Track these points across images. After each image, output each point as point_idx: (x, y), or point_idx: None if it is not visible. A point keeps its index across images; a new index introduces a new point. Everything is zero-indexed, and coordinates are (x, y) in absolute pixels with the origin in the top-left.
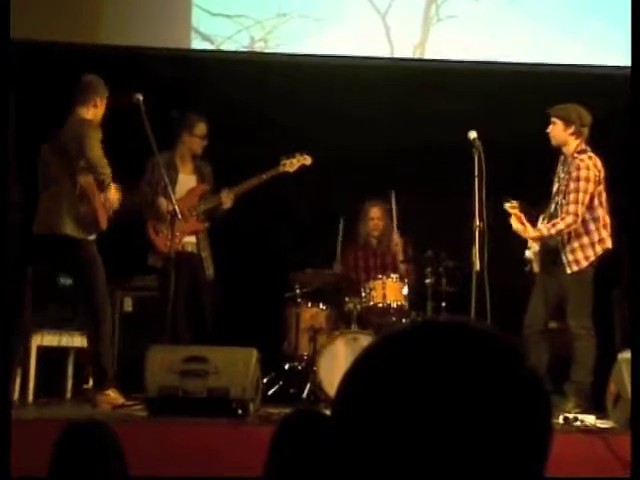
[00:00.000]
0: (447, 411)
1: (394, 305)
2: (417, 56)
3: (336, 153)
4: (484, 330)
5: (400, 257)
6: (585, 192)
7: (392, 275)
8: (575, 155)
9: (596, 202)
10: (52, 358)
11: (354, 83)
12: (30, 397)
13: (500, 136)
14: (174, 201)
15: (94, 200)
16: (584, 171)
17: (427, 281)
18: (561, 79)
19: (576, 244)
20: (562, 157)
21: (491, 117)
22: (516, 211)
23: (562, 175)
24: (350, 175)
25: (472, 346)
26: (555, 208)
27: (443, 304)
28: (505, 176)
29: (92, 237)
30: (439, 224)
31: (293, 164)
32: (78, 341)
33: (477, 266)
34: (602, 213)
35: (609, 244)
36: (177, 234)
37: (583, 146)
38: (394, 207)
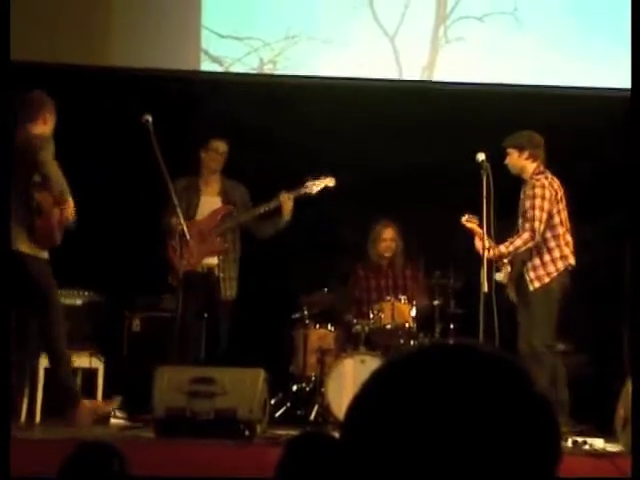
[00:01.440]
0: (455, 435)
1: (403, 327)
2: (425, 78)
3: (344, 174)
4: (491, 354)
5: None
6: (541, 209)
7: (400, 296)
8: (532, 177)
9: (556, 220)
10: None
11: (362, 105)
12: (37, 418)
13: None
14: (182, 221)
15: (50, 215)
16: (539, 189)
17: (435, 303)
18: (568, 101)
19: (537, 261)
20: (523, 184)
21: (499, 139)
22: (473, 226)
23: (522, 198)
24: (358, 196)
25: (480, 370)
26: (517, 231)
27: (451, 326)
28: (513, 198)
29: (44, 254)
30: (447, 245)
31: (317, 185)
32: (86, 361)
33: (485, 287)
34: (563, 231)
35: (572, 260)
36: (194, 254)
37: (541, 168)
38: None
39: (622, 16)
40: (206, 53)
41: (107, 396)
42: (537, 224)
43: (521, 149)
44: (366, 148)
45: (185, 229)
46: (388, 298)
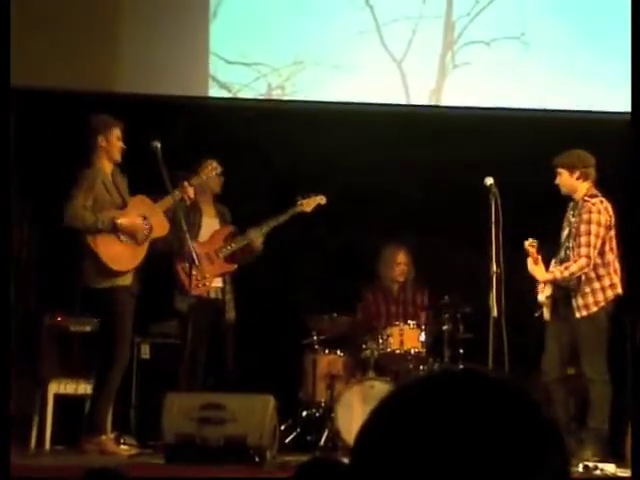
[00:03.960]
0: (465, 461)
1: (412, 352)
2: (433, 102)
3: (353, 198)
4: (500, 380)
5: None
6: (597, 236)
7: (410, 322)
8: (586, 199)
9: (607, 247)
10: (69, 405)
11: (370, 130)
12: (47, 445)
13: (516, 182)
14: (191, 245)
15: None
16: (595, 215)
17: (444, 328)
18: (576, 125)
19: (587, 289)
20: (572, 202)
21: (507, 163)
22: (534, 250)
23: (572, 219)
24: (366, 221)
25: (488, 397)
26: (565, 253)
27: (461, 350)
28: (521, 222)
29: (119, 282)
30: (456, 270)
31: (310, 204)
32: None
33: (494, 312)
34: (612, 258)
35: (619, 289)
36: (206, 276)
37: (593, 190)
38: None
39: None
40: (214, 79)
41: (115, 424)
42: (592, 251)
43: (572, 169)
44: (374, 172)
45: (194, 253)
46: (397, 323)
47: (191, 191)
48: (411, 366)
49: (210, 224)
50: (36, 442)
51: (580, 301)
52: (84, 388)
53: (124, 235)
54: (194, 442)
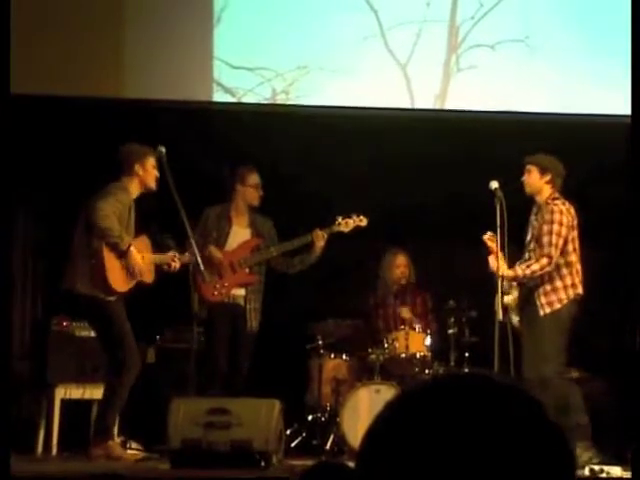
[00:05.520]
0: (470, 466)
1: (417, 356)
2: (438, 106)
3: (355, 203)
4: (506, 384)
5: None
6: (559, 235)
7: (415, 325)
8: (548, 201)
9: (570, 247)
10: (76, 410)
11: (374, 134)
12: (54, 450)
13: (521, 186)
14: (197, 252)
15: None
16: (557, 215)
17: (450, 331)
18: (581, 129)
19: (549, 287)
20: (535, 206)
21: (512, 167)
22: (493, 244)
23: (535, 223)
24: (370, 225)
25: (494, 400)
26: (529, 256)
27: (466, 354)
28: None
29: (109, 297)
30: (461, 274)
31: (349, 224)
32: (100, 393)
33: (500, 316)
34: (575, 259)
35: (580, 290)
36: (225, 285)
37: (556, 194)
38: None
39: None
40: (218, 84)
41: (121, 428)
42: (554, 250)
43: (544, 170)
44: (377, 176)
45: (199, 261)
46: (402, 327)
47: (177, 266)
48: (416, 370)
49: (240, 234)
50: (43, 447)
51: (543, 299)
52: (91, 393)
53: (125, 264)
54: (200, 447)
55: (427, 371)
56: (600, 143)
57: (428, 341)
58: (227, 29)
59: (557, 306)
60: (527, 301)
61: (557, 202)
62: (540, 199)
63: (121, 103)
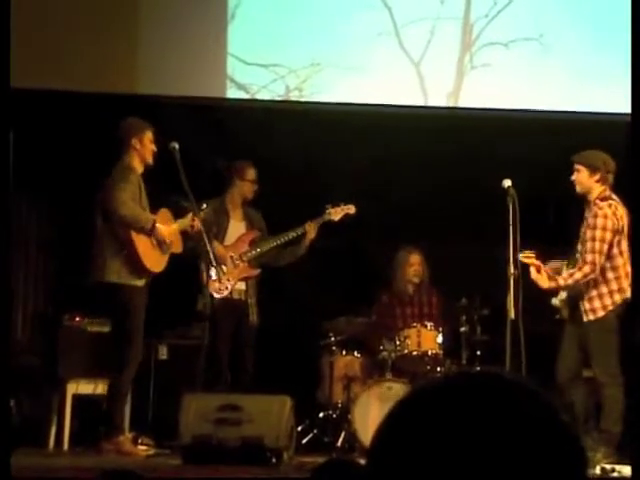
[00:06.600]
0: (482, 463)
1: (429, 353)
2: (451, 104)
3: (369, 201)
4: (517, 383)
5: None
6: (602, 241)
7: (427, 323)
8: (596, 202)
9: (615, 251)
10: (88, 406)
11: (388, 131)
12: (66, 446)
13: (534, 184)
14: (209, 248)
15: (137, 248)
16: (601, 219)
17: (462, 329)
18: (595, 127)
19: (594, 293)
20: (586, 205)
21: (525, 165)
22: (532, 261)
23: (585, 223)
24: (382, 223)
25: (505, 399)
26: (577, 258)
27: (478, 352)
28: (539, 223)
29: (139, 282)
30: (473, 272)
31: (337, 212)
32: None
33: (512, 314)
34: (622, 262)
35: (628, 293)
36: (229, 279)
37: (607, 193)
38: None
39: None
40: (232, 80)
41: (133, 424)
42: (597, 257)
43: (594, 169)
44: (391, 174)
45: (212, 256)
46: (414, 325)
47: (198, 224)
48: (428, 368)
49: (237, 227)
50: (55, 442)
51: (587, 305)
52: (102, 388)
53: (155, 240)
54: (211, 443)
55: (439, 369)
56: (615, 141)
57: (440, 339)
58: (241, 26)
59: (601, 313)
60: (573, 305)
61: (603, 204)
62: (590, 198)
63: (135, 99)
